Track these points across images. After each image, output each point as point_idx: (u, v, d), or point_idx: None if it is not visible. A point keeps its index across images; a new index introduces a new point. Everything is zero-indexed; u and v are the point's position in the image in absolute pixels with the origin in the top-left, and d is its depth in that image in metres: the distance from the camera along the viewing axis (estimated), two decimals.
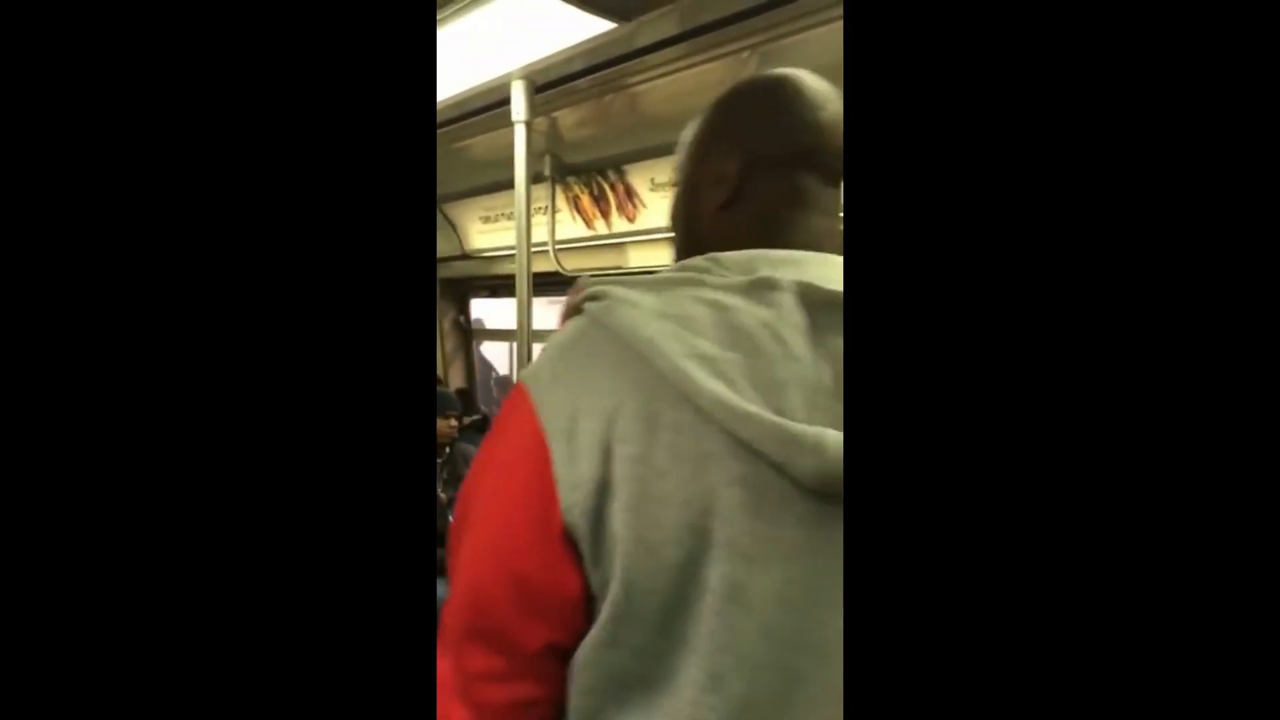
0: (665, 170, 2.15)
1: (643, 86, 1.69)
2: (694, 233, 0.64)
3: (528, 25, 1.35)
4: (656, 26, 1.44)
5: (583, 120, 1.99)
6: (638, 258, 2.49)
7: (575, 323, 0.54)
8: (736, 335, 0.48)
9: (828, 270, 0.53)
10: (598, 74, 1.58)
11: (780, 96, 0.60)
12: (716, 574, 0.47)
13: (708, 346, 0.48)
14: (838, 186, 0.60)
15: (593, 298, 0.54)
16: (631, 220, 2.34)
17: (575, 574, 0.49)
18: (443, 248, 3.17)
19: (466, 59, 1.52)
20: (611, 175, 2.29)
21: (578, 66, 1.55)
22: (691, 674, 0.47)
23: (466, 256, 3.14)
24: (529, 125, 1.52)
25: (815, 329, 0.50)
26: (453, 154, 2.33)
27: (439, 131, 2.06)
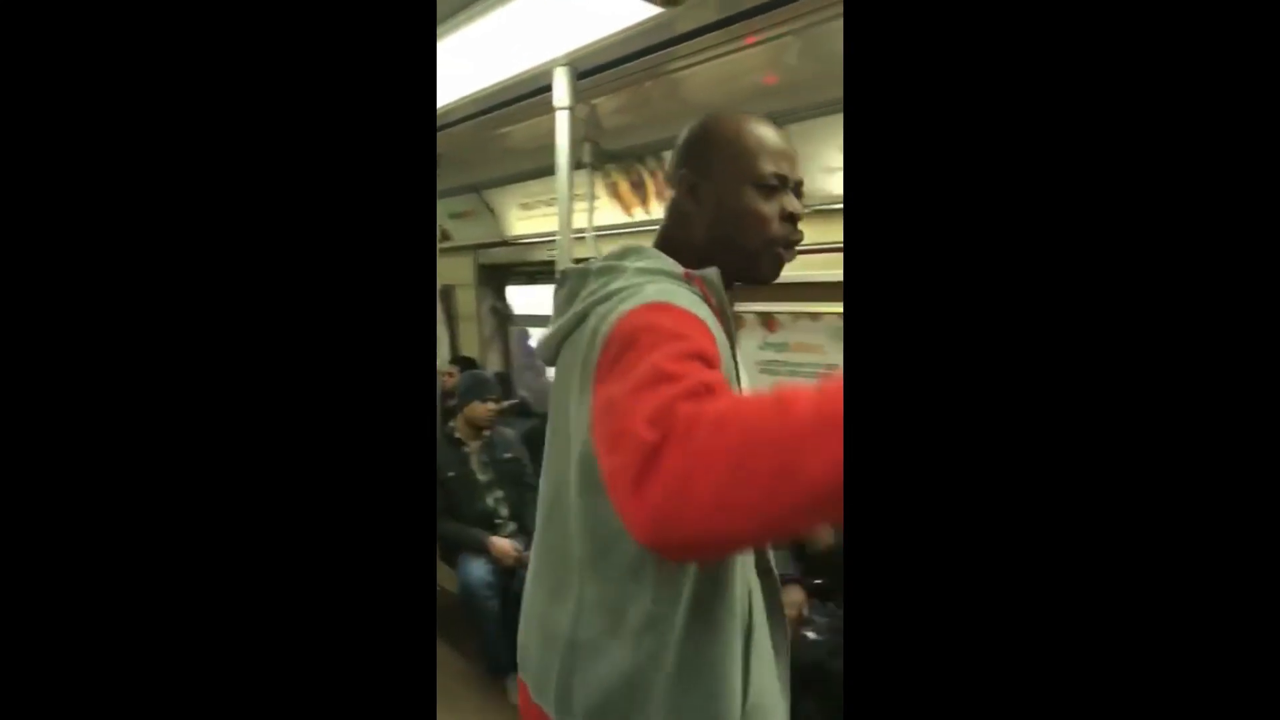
0: None
1: (684, 72, 1.69)
2: None
3: (570, 11, 1.36)
4: (698, 12, 1.44)
5: (622, 107, 1.99)
6: None
7: None
8: None
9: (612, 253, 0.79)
10: (639, 60, 1.59)
11: None
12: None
13: None
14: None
15: None
16: None
17: None
18: (482, 234, 3.21)
19: (508, 46, 1.54)
20: (651, 162, 2.30)
21: (619, 53, 1.56)
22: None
23: (505, 243, 3.18)
24: (571, 111, 1.53)
25: (561, 289, 0.79)
26: (493, 141, 2.36)
27: (480, 119, 2.09)
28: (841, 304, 2.09)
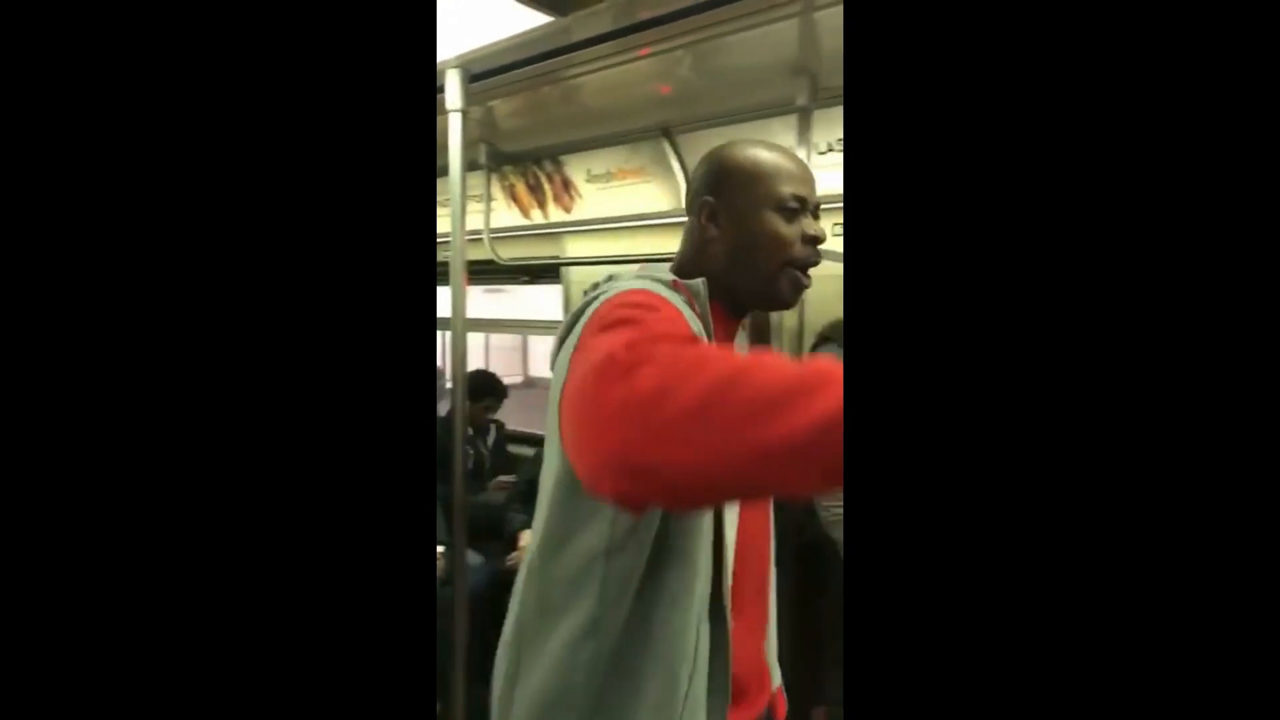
0: (603, 162, 2.17)
1: (579, 79, 1.70)
2: None
3: (463, 15, 1.35)
4: (593, 21, 1.46)
5: (519, 110, 1.99)
6: (575, 248, 2.51)
7: None
8: None
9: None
10: (534, 65, 1.59)
11: None
12: None
13: None
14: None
15: None
16: (568, 211, 2.35)
17: None
18: None
19: None
20: (548, 165, 2.30)
21: (513, 58, 1.56)
22: None
23: None
24: (464, 114, 1.52)
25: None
26: None
27: None
28: None
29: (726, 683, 0.75)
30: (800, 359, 0.74)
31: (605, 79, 1.70)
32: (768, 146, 0.82)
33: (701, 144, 1.93)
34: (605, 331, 0.59)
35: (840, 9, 1.34)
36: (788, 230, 0.77)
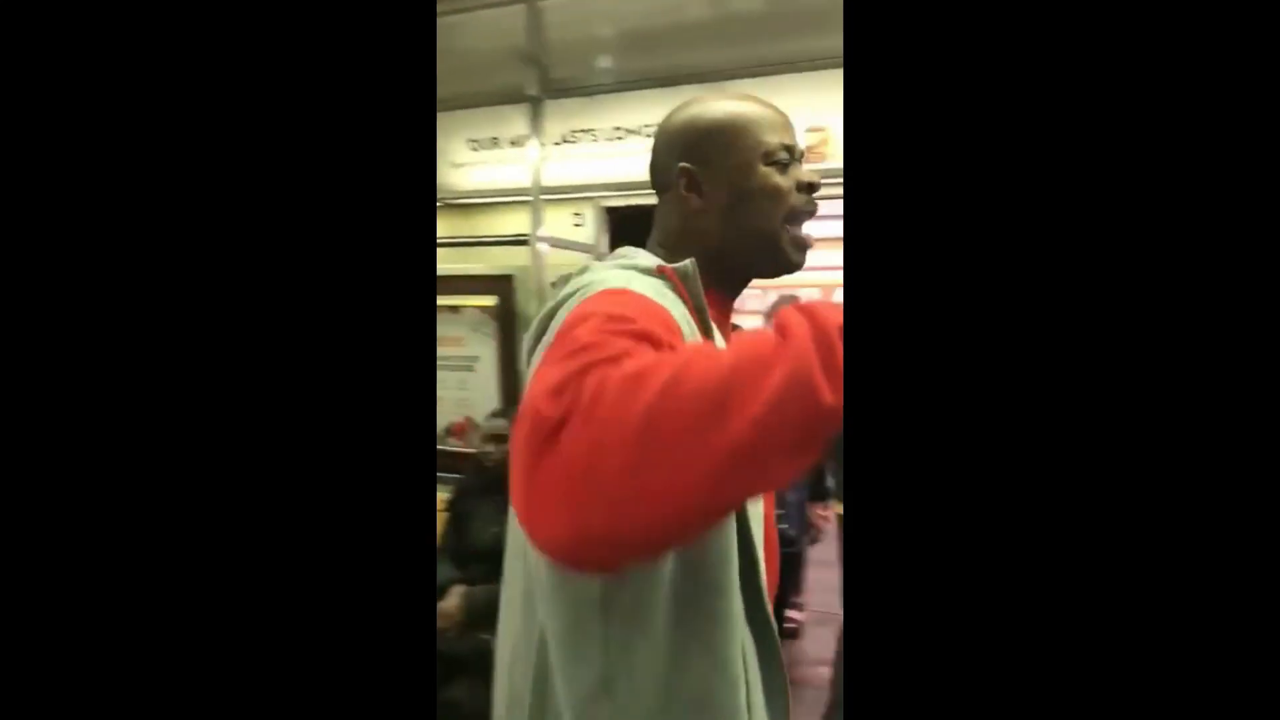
0: None
1: None
2: None
3: None
4: None
5: None
6: None
7: None
8: None
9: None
10: None
11: None
12: None
13: None
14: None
15: None
16: None
17: None
18: None
19: None
20: None
21: None
22: None
23: None
24: None
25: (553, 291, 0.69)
26: None
27: None
28: (480, 297, 2.16)
29: (785, 694, 0.65)
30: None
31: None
32: (740, 97, 0.73)
33: (442, 128, 1.88)
34: (553, 364, 0.49)
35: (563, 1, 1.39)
36: (783, 181, 0.69)
